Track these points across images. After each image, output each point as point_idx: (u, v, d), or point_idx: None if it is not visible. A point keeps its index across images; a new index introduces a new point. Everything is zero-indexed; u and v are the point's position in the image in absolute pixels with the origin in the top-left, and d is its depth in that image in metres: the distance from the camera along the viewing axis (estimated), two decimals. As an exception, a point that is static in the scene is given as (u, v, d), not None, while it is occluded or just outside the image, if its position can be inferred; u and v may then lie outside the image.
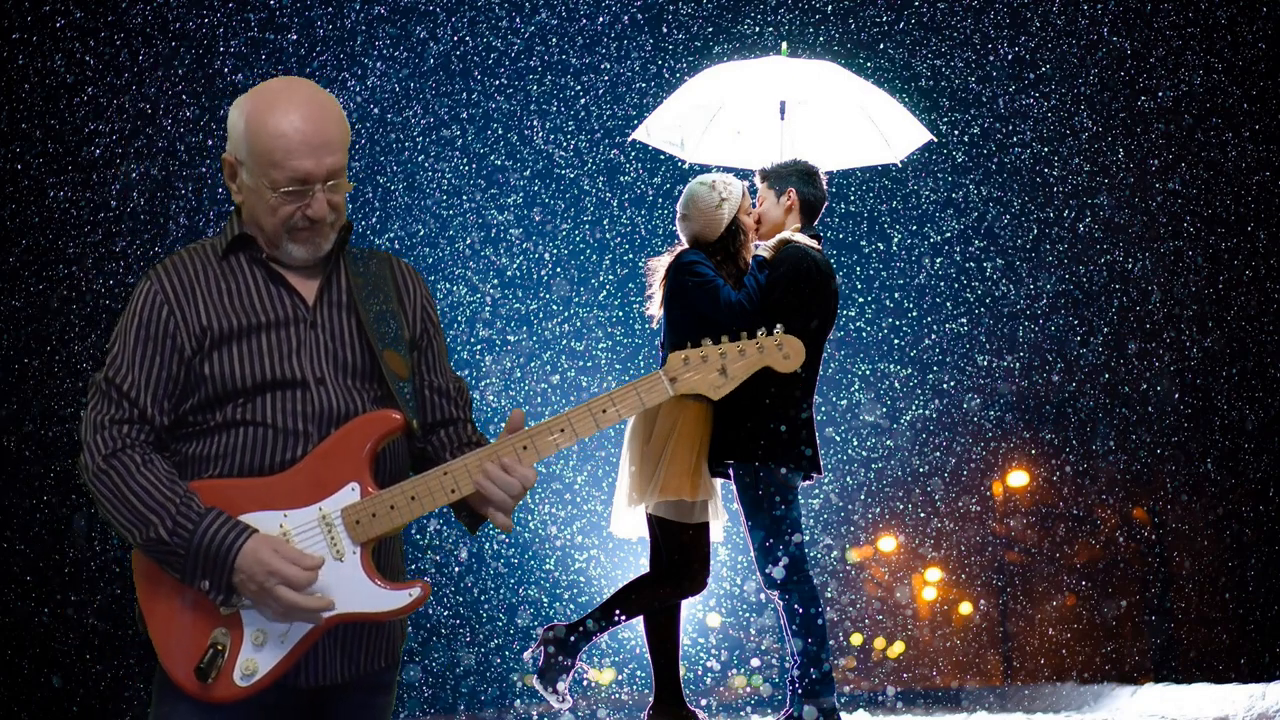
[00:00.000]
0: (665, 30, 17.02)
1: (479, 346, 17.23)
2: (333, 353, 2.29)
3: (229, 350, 2.24)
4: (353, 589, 2.18)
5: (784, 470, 4.45)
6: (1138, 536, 19.67)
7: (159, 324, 2.25)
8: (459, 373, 2.52)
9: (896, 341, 19.60)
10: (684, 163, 5.66)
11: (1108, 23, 16.76)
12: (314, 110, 2.24)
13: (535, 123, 17.21)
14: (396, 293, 2.41)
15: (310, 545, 2.19)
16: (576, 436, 2.28)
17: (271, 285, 2.31)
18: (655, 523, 4.56)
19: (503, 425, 2.31)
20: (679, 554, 4.53)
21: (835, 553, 22.28)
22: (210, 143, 12.84)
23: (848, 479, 20.42)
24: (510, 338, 17.68)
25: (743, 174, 4.96)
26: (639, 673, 16.15)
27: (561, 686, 4.52)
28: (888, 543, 24.11)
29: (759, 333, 2.37)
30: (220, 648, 2.14)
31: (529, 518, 16.60)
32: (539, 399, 17.48)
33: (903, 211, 18.89)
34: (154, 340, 2.24)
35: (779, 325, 2.40)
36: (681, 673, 4.65)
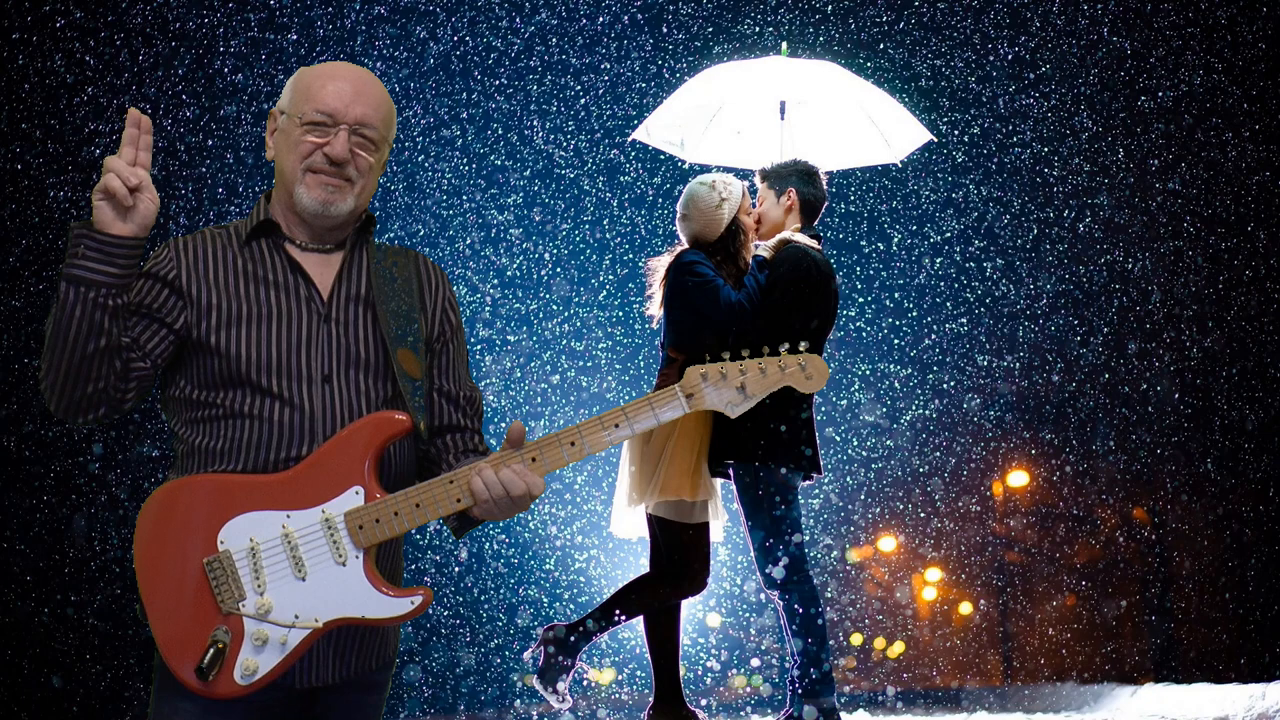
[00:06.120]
0: (665, 30, 17.04)
1: (479, 346, 17.23)
2: (345, 348, 2.28)
3: (239, 333, 2.24)
4: (355, 594, 2.18)
5: (784, 470, 4.45)
6: (1138, 536, 19.65)
7: (156, 263, 2.28)
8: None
9: (896, 341, 19.61)
10: (684, 163, 5.67)
11: (1108, 23, 16.76)
12: (359, 72, 2.34)
13: (535, 123, 17.22)
14: (419, 290, 2.39)
15: (313, 548, 2.19)
16: (588, 451, 2.23)
17: (290, 274, 2.30)
18: (655, 523, 4.56)
19: (503, 426, 2.29)
20: (679, 554, 4.53)
21: (835, 553, 22.27)
22: (210, 143, 12.84)
23: (848, 479, 20.42)
24: (510, 338, 17.69)
25: (743, 174, 4.96)
26: (639, 673, 16.15)
27: (561, 686, 4.52)
28: (888, 543, 24.09)
29: (782, 350, 2.31)
30: (221, 646, 2.14)
31: (529, 518, 16.59)
32: (539, 399, 17.49)
33: (903, 211, 18.90)
34: (147, 275, 2.27)
35: (804, 344, 2.35)
36: (681, 673, 4.64)
